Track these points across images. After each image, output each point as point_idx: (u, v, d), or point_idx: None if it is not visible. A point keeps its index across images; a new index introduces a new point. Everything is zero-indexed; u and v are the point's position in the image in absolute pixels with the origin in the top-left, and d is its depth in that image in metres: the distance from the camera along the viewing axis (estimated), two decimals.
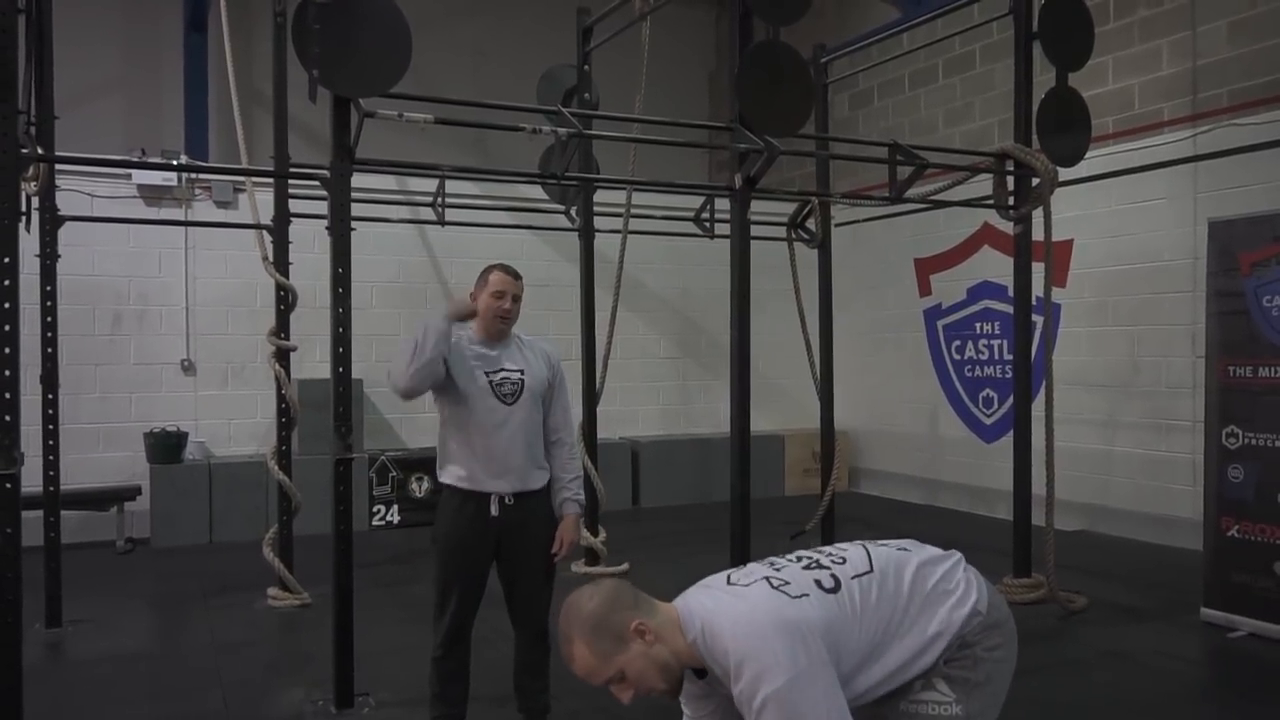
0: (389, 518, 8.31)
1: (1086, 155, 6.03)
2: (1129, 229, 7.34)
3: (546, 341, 3.78)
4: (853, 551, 2.21)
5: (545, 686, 3.69)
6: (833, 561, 2.16)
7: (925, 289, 9.24)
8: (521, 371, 3.56)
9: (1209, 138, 6.72)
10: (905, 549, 2.25)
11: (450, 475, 3.55)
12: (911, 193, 5.74)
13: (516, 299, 3.59)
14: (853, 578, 2.12)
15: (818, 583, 2.09)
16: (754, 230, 5.05)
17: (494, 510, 3.49)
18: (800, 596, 2.04)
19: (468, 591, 3.54)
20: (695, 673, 2.13)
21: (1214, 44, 6.86)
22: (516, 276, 3.63)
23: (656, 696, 2.11)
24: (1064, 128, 5.84)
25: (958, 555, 2.28)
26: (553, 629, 3.60)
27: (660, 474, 9.32)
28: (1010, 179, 5.89)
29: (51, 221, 5.43)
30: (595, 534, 6.75)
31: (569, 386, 3.79)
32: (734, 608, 2.03)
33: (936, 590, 2.14)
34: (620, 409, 9.30)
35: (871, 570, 2.14)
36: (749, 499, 4.83)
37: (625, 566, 6.69)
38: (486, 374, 3.52)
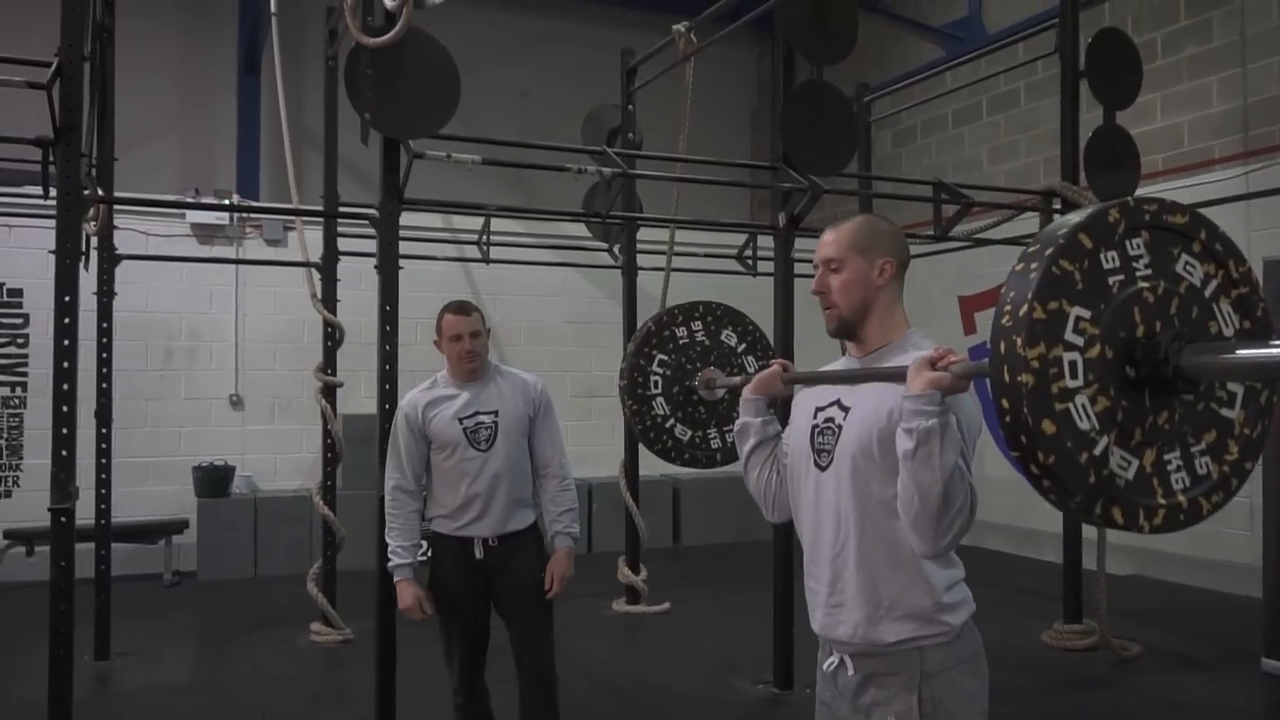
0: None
1: (1135, 193, 5.96)
2: None
3: (528, 373, 3.65)
4: None
5: None
6: None
7: (970, 327, 9.13)
8: (495, 413, 3.45)
9: (1262, 175, 6.61)
10: None
11: (436, 521, 3.49)
12: (956, 231, 5.71)
13: (475, 335, 3.44)
14: None
15: None
16: (797, 268, 5.04)
17: (478, 553, 3.43)
18: None
19: (467, 637, 3.47)
20: (853, 350, 2.15)
21: (1265, 81, 6.77)
22: (468, 312, 3.48)
23: (825, 313, 2.14)
24: (1112, 166, 5.78)
25: None
26: (559, 671, 3.53)
27: (701, 512, 9.26)
28: (1057, 217, 5.83)
29: (109, 260, 5.58)
30: (636, 572, 6.71)
31: (559, 418, 3.63)
32: None
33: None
34: None
35: None
36: (792, 537, 4.77)
37: (666, 605, 6.63)
38: (461, 420, 3.42)
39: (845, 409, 2.08)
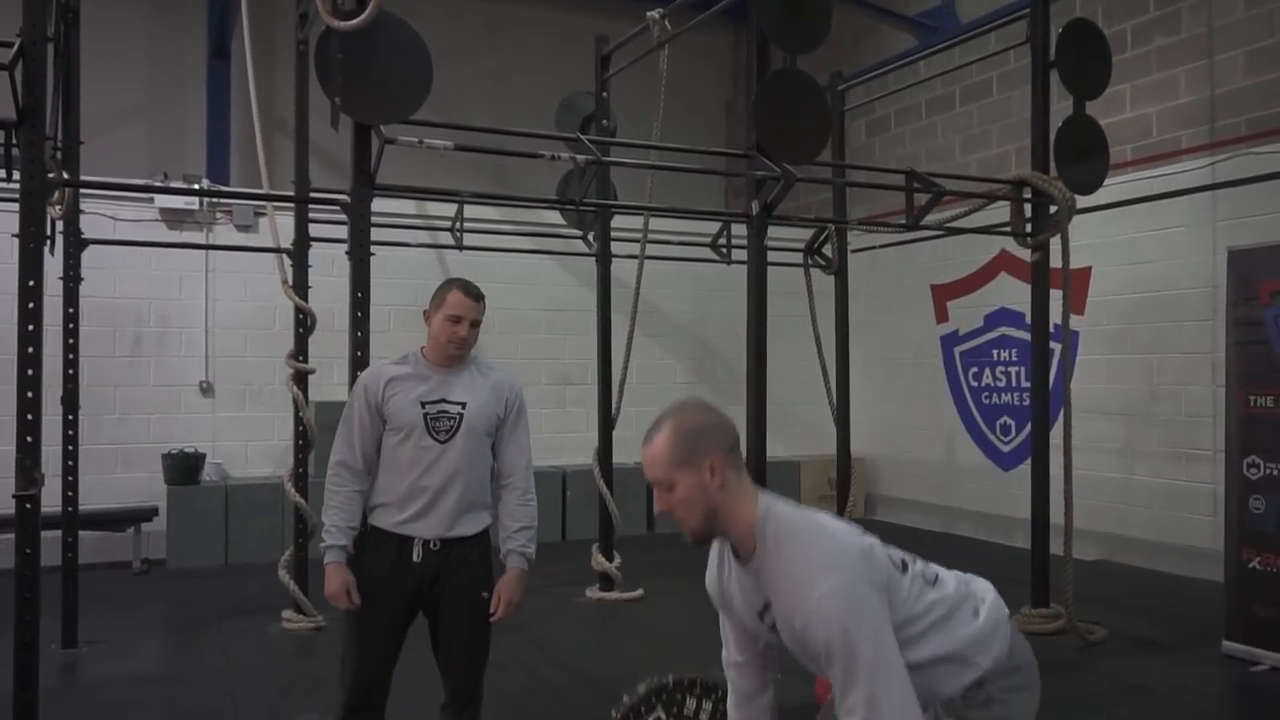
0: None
1: (1104, 183, 6.02)
2: (1147, 257, 7.32)
3: (507, 371, 3.31)
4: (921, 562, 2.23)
5: None
6: (904, 554, 2.19)
7: (942, 315, 9.21)
8: (463, 405, 3.12)
9: (1227, 166, 6.70)
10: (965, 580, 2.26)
11: (376, 513, 3.15)
12: (928, 219, 5.75)
13: (475, 325, 3.13)
14: (919, 571, 2.14)
15: (888, 555, 2.11)
16: (771, 256, 5.06)
17: (416, 556, 3.09)
18: (872, 544, 2.07)
19: (379, 646, 3.11)
20: (735, 556, 2.16)
21: (1232, 72, 6.86)
22: (478, 298, 3.15)
23: (684, 532, 2.14)
24: (1081, 155, 5.84)
25: (993, 591, 2.26)
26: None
27: None
28: (1028, 206, 5.89)
29: (75, 245, 5.50)
30: (610, 560, 6.73)
31: (529, 422, 3.31)
32: (813, 519, 2.08)
33: (972, 615, 2.15)
34: (636, 434, 9.18)
35: (940, 580, 2.17)
36: None
37: (640, 593, 6.66)
38: (424, 404, 3.10)
39: (775, 615, 2.09)
